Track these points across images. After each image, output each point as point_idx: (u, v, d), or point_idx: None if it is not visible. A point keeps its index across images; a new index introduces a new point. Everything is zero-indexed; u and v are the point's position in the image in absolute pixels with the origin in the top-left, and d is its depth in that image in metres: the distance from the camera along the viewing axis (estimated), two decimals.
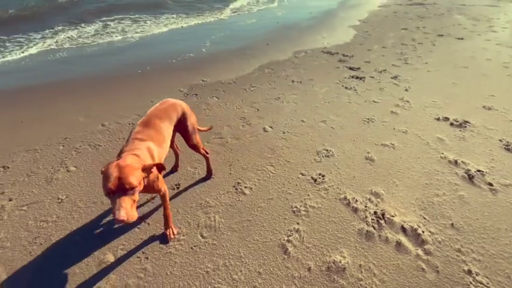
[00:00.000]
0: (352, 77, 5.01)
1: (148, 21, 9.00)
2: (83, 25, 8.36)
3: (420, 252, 1.99)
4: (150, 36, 7.54)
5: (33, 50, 6.29)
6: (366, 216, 2.25)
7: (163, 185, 1.92)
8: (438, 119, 3.66)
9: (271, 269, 1.88)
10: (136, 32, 7.85)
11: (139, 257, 1.96)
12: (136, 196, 1.48)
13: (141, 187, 1.53)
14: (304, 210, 2.31)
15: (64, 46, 6.61)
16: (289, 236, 2.10)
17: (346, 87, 4.57)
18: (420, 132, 3.40)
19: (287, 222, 2.22)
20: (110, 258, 1.95)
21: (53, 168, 2.78)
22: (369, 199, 2.41)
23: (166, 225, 2.10)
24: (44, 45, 6.59)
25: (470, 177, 2.66)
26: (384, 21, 9.27)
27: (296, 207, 2.34)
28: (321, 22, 9.11)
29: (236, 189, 2.52)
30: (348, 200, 2.40)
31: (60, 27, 7.96)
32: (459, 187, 2.56)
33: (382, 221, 2.20)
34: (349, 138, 3.27)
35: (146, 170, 1.59)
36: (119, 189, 1.40)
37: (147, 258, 1.96)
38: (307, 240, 2.07)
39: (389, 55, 6.14)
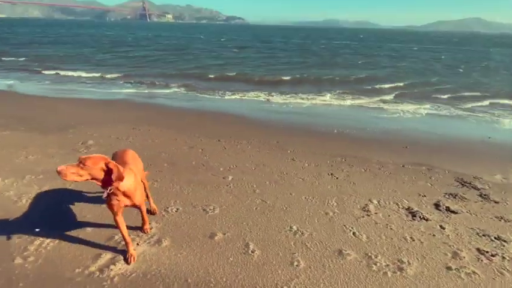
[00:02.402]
0: (412, 214, 3.46)
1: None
2: (323, 92, 11.68)
3: None
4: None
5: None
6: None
7: (140, 198, 2.45)
8: None
9: None
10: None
11: None
12: (83, 173, 2.00)
13: (94, 172, 2.04)
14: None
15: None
16: None
17: (369, 214, 3.48)
18: None
19: None
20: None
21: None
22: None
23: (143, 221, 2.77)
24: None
25: None
26: None
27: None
28: None
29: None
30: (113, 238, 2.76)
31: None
32: None
33: None
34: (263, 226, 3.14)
35: (111, 163, 2.07)
36: (79, 161, 2.02)
37: None
38: None
39: None
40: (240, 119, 7.58)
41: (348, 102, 10.49)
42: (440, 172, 4.64)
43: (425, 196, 3.86)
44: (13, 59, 18.29)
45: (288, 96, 11.01)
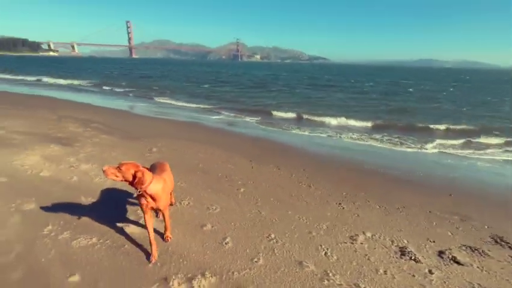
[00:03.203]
0: (401, 252, 3.35)
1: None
2: (407, 138, 11.17)
3: None
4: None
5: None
6: None
7: (164, 203, 2.85)
8: None
9: None
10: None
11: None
12: (119, 175, 2.53)
13: (126, 175, 2.55)
14: None
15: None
16: None
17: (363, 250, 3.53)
18: None
19: None
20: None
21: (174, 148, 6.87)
22: None
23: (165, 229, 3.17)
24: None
25: None
26: None
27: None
28: None
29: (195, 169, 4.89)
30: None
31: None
32: None
33: None
34: (245, 228, 3.70)
35: (139, 172, 2.59)
36: (119, 165, 2.57)
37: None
38: None
39: None
40: (285, 148, 8.16)
41: (431, 150, 9.06)
42: (477, 226, 4.08)
43: (433, 242, 3.56)
44: (136, 89, 24.15)
45: (358, 135, 10.53)
